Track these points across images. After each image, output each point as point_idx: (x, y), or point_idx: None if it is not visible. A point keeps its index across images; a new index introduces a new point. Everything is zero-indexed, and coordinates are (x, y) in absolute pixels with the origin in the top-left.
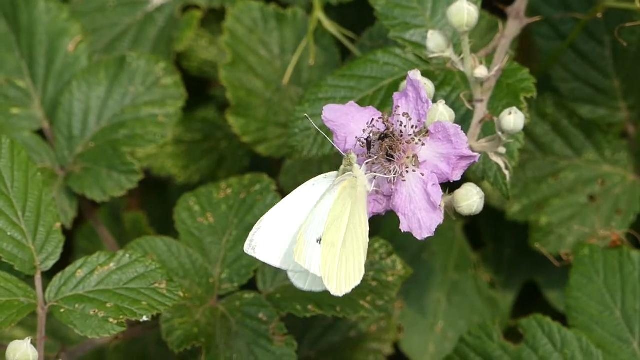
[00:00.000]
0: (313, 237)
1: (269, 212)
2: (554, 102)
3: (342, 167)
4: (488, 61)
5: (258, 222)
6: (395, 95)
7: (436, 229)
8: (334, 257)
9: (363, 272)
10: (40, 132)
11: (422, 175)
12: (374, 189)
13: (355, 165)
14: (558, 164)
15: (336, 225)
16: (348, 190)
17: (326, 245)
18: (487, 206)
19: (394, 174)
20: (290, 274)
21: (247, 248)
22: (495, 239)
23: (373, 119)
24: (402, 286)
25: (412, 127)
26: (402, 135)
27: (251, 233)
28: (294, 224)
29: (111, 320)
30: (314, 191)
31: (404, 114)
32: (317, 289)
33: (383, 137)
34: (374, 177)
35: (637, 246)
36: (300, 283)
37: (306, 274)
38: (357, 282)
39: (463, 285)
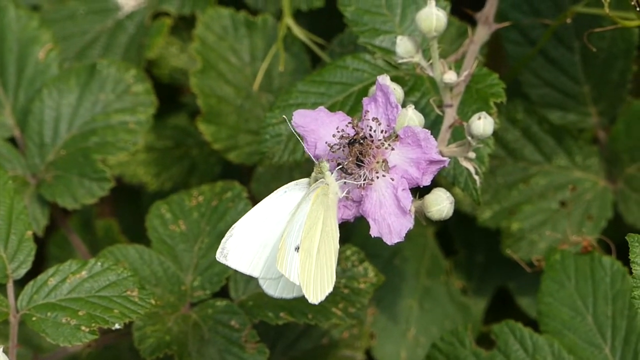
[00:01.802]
0: (292, 245)
1: (240, 220)
2: (524, 108)
3: (313, 174)
4: (457, 67)
5: (230, 229)
6: (365, 100)
7: (406, 234)
8: (311, 265)
9: (334, 279)
10: (12, 140)
11: (392, 180)
12: (344, 195)
13: (327, 173)
14: (529, 170)
15: (311, 234)
16: (320, 198)
17: (304, 253)
18: (458, 212)
19: (364, 179)
20: (261, 282)
21: (219, 256)
22: (467, 245)
23: (343, 124)
24: (374, 293)
25: (382, 132)
26: (371, 140)
27: (223, 240)
28: (265, 232)
29: (83, 328)
30: (285, 198)
31: (373, 119)
32: (288, 295)
33: (353, 142)
34: (344, 183)
35: (609, 252)
36: (271, 290)
37: (277, 281)
38: (330, 289)
39: (435, 292)
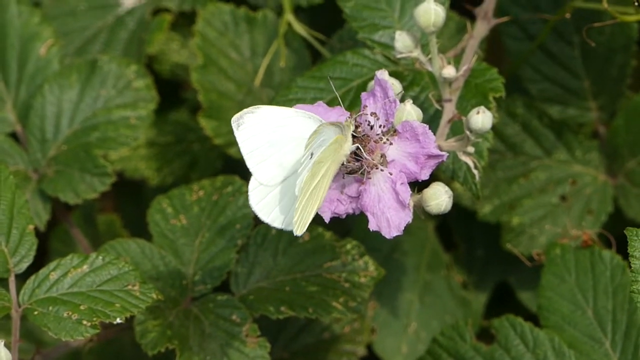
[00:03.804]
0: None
1: (267, 106)
2: (524, 102)
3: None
4: (457, 62)
5: (255, 106)
6: (363, 95)
7: (405, 228)
8: (307, 192)
9: (307, 226)
10: (14, 135)
11: (391, 174)
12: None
13: (350, 130)
14: (529, 164)
15: (316, 169)
16: (335, 145)
17: (311, 174)
18: (458, 207)
19: (363, 174)
20: (250, 187)
21: (234, 121)
22: (467, 240)
23: (341, 119)
24: (375, 287)
25: (380, 126)
26: (370, 135)
27: (244, 111)
28: (277, 135)
29: (85, 322)
30: (307, 122)
31: (371, 114)
32: (264, 216)
33: (351, 136)
34: (343, 177)
35: (609, 246)
36: (254, 200)
37: (266, 192)
38: (304, 230)
39: (436, 286)
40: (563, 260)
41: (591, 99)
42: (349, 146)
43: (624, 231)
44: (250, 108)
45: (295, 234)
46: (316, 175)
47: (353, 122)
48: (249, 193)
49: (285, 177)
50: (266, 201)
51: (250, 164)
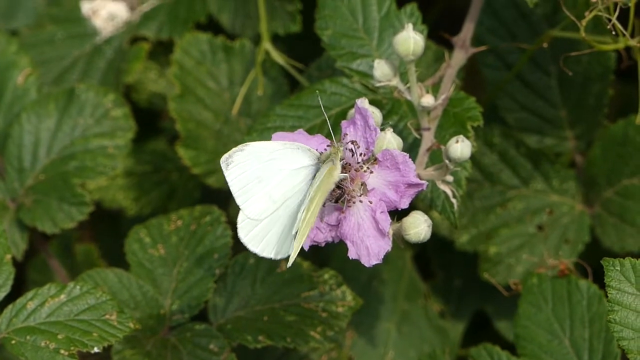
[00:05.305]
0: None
1: (254, 143)
2: (501, 132)
3: (326, 152)
4: (435, 90)
5: (243, 144)
6: (344, 123)
7: (384, 256)
8: (303, 222)
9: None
10: None
11: (371, 202)
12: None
13: (338, 158)
14: (506, 194)
15: (311, 201)
16: (327, 176)
17: (306, 209)
18: (436, 236)
19: (343, 202)
20: (239, 219)
21: (223, 161)
22: (445, 269)
23: (322, 147)
24: (353, 316)
25: (361, 154)
26: (350, 163)
27: (233, 150)
28: (265, 171)
29: (62, 351)
30: (295, 154)
31: (352, 142)
32: (253, 247)
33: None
34: (323, 205)
35: (586, 275)
36: (243, 232)
37: (253, 225)
38: (294, 257)
39: (413, 315)
40: (540, 290)
41: (568, 128)
42: (338, 173)
43: (601, 261)
44: (239, 146)
45: (288, 266)
46: (309, 209)
47: (342, 147)
48: (238, 226)
49: (274, 210)
50: (255, 233)
51: (239, 200)
